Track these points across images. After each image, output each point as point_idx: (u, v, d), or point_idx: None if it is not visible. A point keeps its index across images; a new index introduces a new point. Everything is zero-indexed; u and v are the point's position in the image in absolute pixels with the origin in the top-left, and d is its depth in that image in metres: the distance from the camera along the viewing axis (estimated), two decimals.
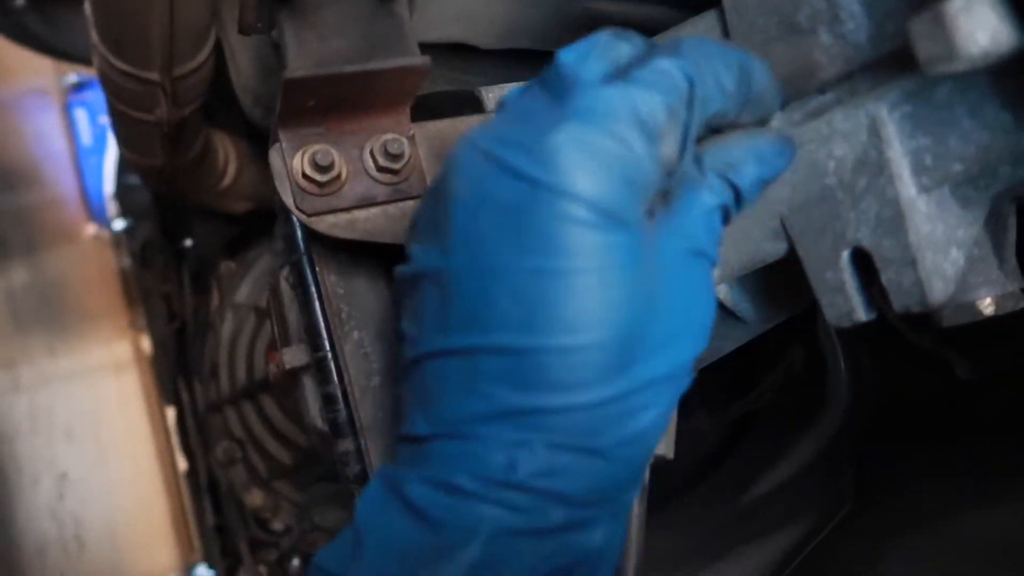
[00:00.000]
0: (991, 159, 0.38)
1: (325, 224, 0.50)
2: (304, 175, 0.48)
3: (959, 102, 0.37)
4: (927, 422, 0.72)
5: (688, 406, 0.52)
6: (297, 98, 0.46)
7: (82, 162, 3.23)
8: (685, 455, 0.69)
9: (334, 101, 0.48)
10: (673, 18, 0.79)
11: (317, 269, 0.54)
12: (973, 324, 0.48)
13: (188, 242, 1.71)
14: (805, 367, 0.79)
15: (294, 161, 0.49)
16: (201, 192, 1.44)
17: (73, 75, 3.14)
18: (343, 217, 0.50)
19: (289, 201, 0.49)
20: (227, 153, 1.46)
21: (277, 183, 0.49)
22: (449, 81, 0.93)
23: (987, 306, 0.47)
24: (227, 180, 1.47)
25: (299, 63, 0.44)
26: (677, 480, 0.75)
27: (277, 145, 0.49)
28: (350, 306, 0.55)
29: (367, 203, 0.51)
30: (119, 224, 2.77)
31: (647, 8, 0.77)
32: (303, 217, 0.49)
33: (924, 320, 0.58)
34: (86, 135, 3.22)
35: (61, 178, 3.22)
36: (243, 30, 0.49)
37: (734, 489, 0.73)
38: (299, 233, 0.55)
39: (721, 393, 0.78)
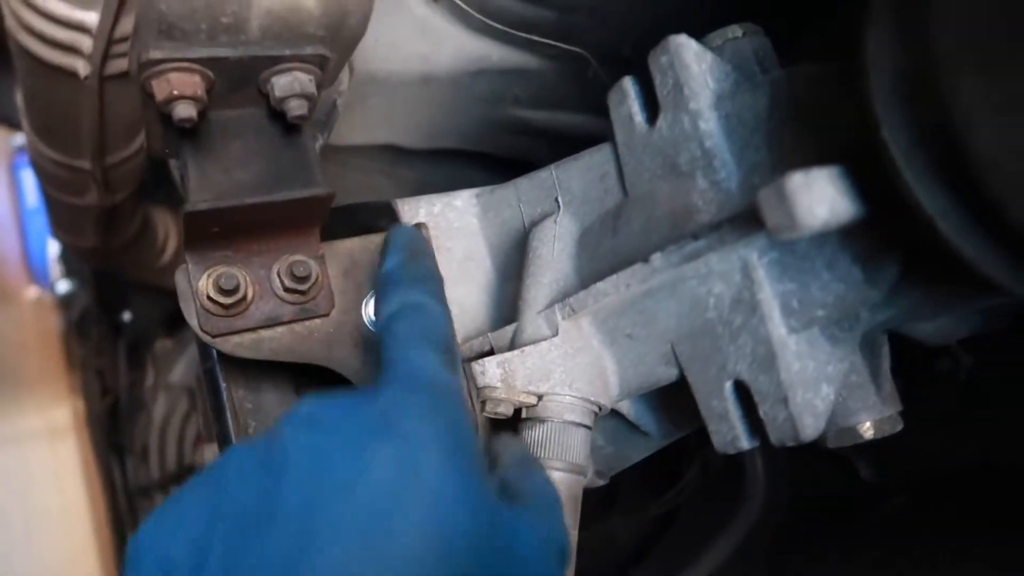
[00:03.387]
0: (849, 307, 0.40)
1: (230, 345, 0.50)
2: (209, 297, 0.49)
3: (817, 255, 0.40)
4: (835, 519, 0.74)
5: (602, 510, 0.52)
6: (200, 227, 0.47)
7: (26, 224, 3.17)
8: (599, 559, 0.69)
9: (241, 227, 0.49)
10: (592, 126, 0.83)
11: (224, 385, 0.54)
12: None
13: (126, 315, 1.68)
14: (722, 466, 0.80)
15: (199, 283, 0.49)
16: (140, 269, 1.43)
17: (20, 137, 3.10)
18: (248, 337, 0.51)
19: (194, 323, 0.49)
20: (167, 229, 1.45)
21: (182, 304, 0.50)
22: (383, 173, 0.95)
23: (867, 430, 0.49)
24: (167, 256, 1.46)
25: (200, 196, 0.45)
26: None
27: (183, 267, 0.50)
28: (257, 421, 0.55)
29: (273, 323, 0.51)
30: (63, 287, 2.71)
31: (568, 116, 0.81)
32: (207, 338, 0.50)
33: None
34: (31, 196, 3.17)
35: (3, 239, 3.16)
36: (152, 155, 0.50)
37: None
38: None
39: (639, 495, 0.79)
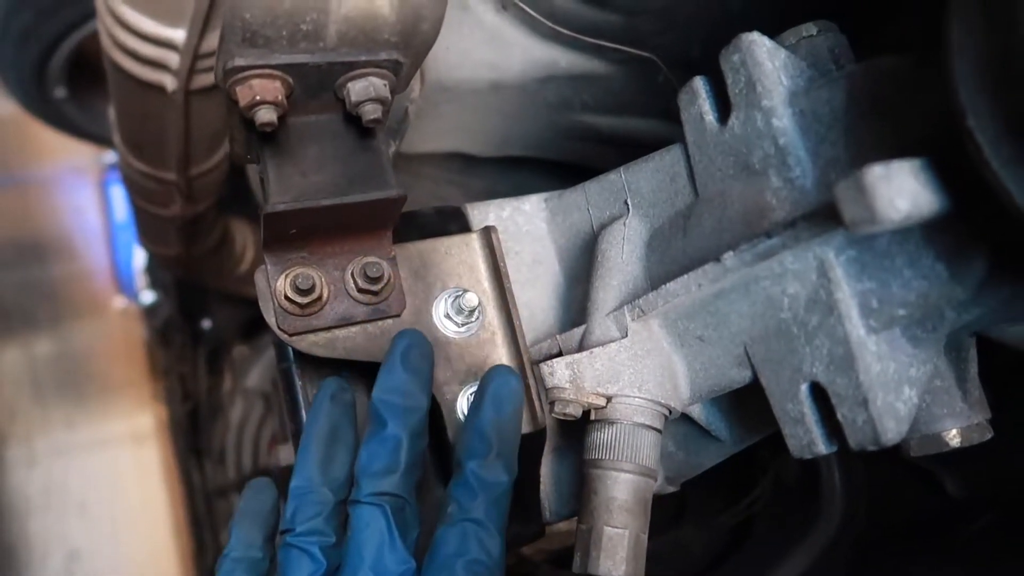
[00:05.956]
0: (932, 305, 0.39)
1: (306, 343, 0.52)
2: (286, 297, 0.51)
3: (898, 252, 0.39)
4: (919, 536, 0.71)
5: (681, 516, 0.52)
6: (279, 228, 0.48)
7: (114, 237, 3.33)
8: (671, 567, 0.68)
9: (316, 228, 0.51)
10: (660, 130, 0.82)
11: (299, 383, 0.56)
12: None
13: (206, 323, 1.75)
14: (798, 477, 0.78)
15: (277, 283, 0.51)
16: (219, 277, 1.49)
17: (111, 154, 3.27)
18: (323, 336, 0.52)
19: (272, 321, 0.51)
20: (245, 240, 1.51)
21: (261, 304, 0.52)
22: (451, 183, 0.97)
23: (952, 438, 0.47)
24: (244, 266, 1.51)
25: (279, 198, 0.47)
26: None
27: (262, 268, 0.51)
28: None
29: (347, 322, 0.53)
30: (147, 297, 2.84)
31: (635, 121, 0.80)
32: (284, 337, 0.51)
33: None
34: (120, 211, 3.33)
35: (93, 252, 3.33)
36: (234, 160, 0.52)
37: None
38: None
39: (711, 504, 0.77)
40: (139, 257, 2.95)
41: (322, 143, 0.48)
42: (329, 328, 0.52)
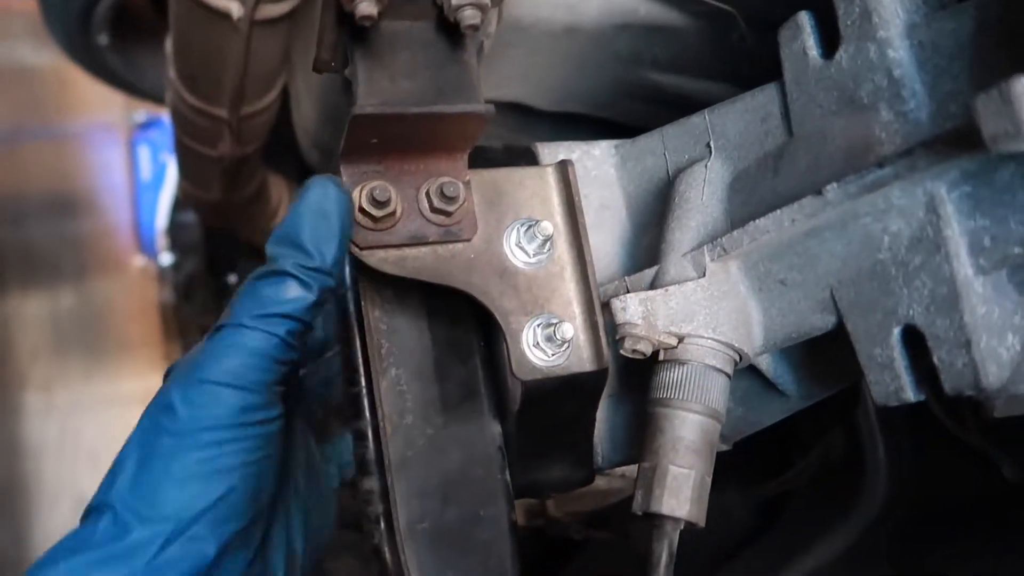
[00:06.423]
0: None
1: (375, 259, 0.51)
2: (361, 209, 0.50)
3: (1021, 186, 0.37)
4: (968, 524, 0.69)
5: (721, 481, 0.50)
6: (362, 134, 0.47)
7: (139, 196, 3.34)
8: (714, 531, 0.67)
9: (396, 140, 0.49)
10: (727, 94, 0.80)
11: (362, 303, 0.55)
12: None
13: (232, 278, 1.74)
14: (843, 454, 0.76)
15: (353, 195, 0.50)
16: (252, 229, 1.49)
17: (142, 113, 3.28)
18: (393, 253, 0.51)
19: None
20: (280, 195, 1.51)
21: None
22: (503, 138, 0.95)
23: None
24: (277, 220, 1.51)
25: (368, 100, 0.46)
26: (705, 557, 0.72)
27: (338, 179, 0.50)
28: (391, 342, 0.55)
29: (418, 242, 0.51)
30: (166, 259, 2.84)
31: (703, 83, 0.79)
32: (355, 250, 0.50)
33: (973, 413, 0.57)
34: (146, 171, 3.34)
35: (117, 210, 3.33)
36: (317, 67, 0.51)
37: (764, 572, 0.70)
38: (347, 268, 0.56)
39: (754, 472, 0.76)
40: (161, 218, 2.96)
41: (414, 50, 0.47)
42: (400, 246, 0.51)
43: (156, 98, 1.65)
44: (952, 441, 0.69)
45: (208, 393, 0.43)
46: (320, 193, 0.45)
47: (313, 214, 0.45)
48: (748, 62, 0.73)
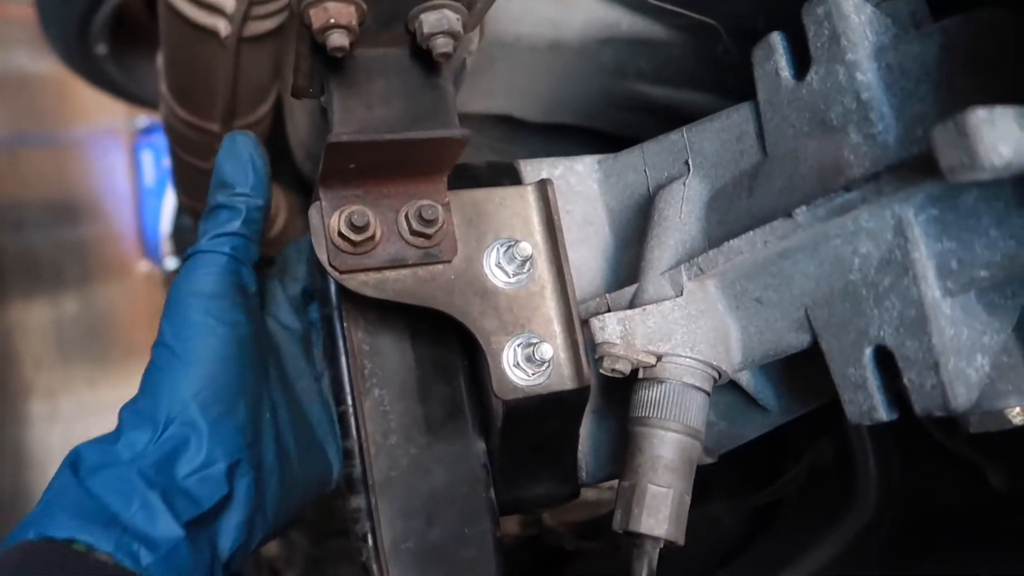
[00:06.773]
0: (1018, 268, 0.38)
1: (356, 282, 0.51)
2: (340, 233, 0.50)
3: (985, 210, 0.38)
4: (957, 532, 0.69)
5: (710, 490, 0.51)
6: (339, 160, 0.48)
7: (143, 201, 3.35)
8: (702, 541, 0.67)
9: (374, 165, 0.50)
10: (714, 104, 0.81)
11: (345, 325, 0.55)
12: (1012, 431, 0.47)
13: None
14: (832, 462, 0.77)
15: (331, 220, 0.50)
16: None
17: (144, 118, 3.29)
18: (373, 276, 0.52)
19: (324, 258, 0.51)
20: (278, 203, 1.51)
21: (314, 239, 0.51)
22: (493, 150, 0.96)
23: (1016, 415, 0.46)
24: (276, 229, 1.51)
25: (343, 128, 0.46)
26: (696, 565, 0.72)
27: (317, 203, 0.51)
28: (374, 363, 0.56)
29: (398, 264, 0.52)
30: (171, 263, 2.85)
31: (689, 93, 0.79)
32: (335, 274, 0.51)
33: (955, 423, 0.57)
34: (149, 176, 3.35)
35: (120, 215, 3.35)
36: (295, 94, 0.51)
37: None
38: (332, 289, 0.57)
39: (743, 482, 0.76)
40: (165, 223, 2.97)
41: (388, 77, 0.48)
42: (380, 268, 0.52)
43: (156, 107, 1.66)
44: (941, 450, 0.70)
45: (182, 300, 0.52)
46: (229, 141, 0.55)
47: (227, 157, 0.54)
48: (734, 72, 0.73)
